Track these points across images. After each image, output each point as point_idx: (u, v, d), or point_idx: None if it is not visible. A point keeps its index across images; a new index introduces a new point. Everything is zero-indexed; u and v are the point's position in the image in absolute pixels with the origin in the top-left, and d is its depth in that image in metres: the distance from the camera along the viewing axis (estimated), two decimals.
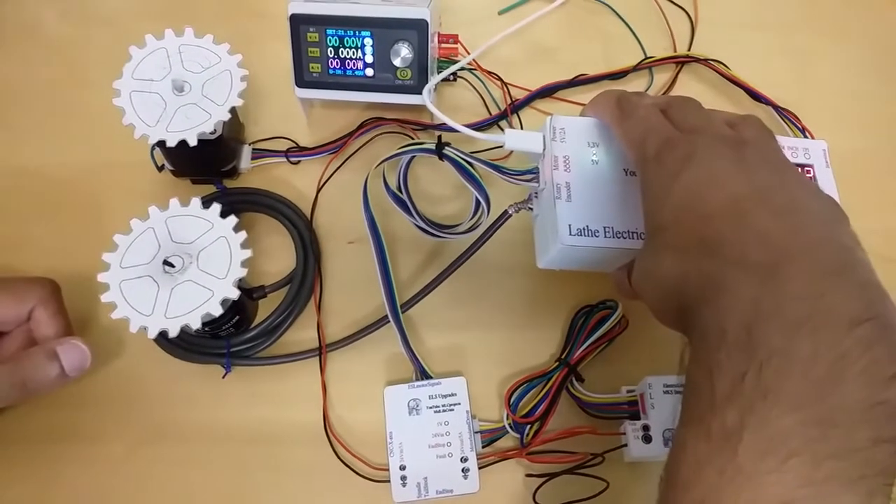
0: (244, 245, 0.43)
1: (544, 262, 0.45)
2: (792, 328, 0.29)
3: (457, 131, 0.45)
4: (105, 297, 0.42)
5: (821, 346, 0.29)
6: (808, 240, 0.32)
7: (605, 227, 0.42)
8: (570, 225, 0.42)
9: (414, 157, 0.48)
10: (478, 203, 0.47)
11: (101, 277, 0.42)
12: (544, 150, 0.44)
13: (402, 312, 0.49)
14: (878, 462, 0.28)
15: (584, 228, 0.42)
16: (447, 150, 0.46)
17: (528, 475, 0.47)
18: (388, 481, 0.46)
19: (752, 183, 0.34)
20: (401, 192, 0.49)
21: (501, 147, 0.45)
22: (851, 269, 0.31)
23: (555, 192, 0.42)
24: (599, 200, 0.42)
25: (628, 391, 0.48)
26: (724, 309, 0.32)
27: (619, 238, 0.42)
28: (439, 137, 0.47)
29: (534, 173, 0.45)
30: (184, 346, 0.49)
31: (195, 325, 0.41)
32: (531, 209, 0.46)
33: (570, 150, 0.44)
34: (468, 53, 0.56)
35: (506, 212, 0.47)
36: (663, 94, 0.59)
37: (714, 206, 0.34)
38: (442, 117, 0.46)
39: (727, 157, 0.36)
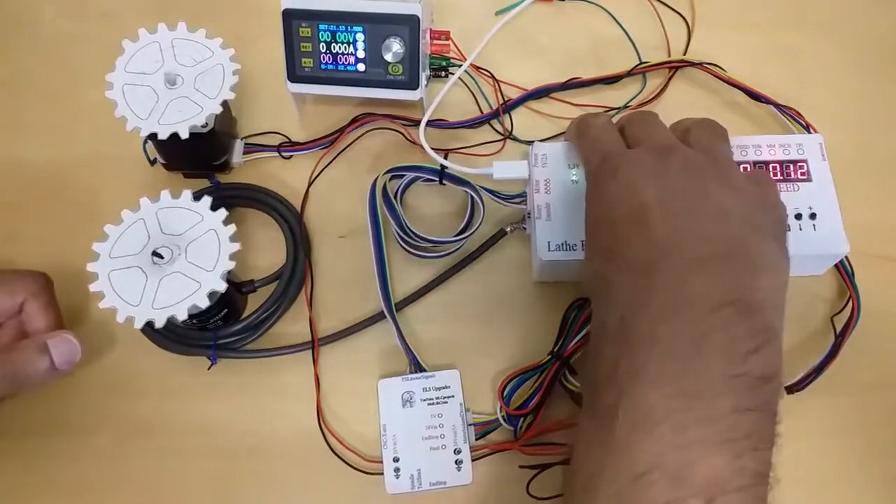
0: (233, 238, 0.43)
1: (536, 276, 0.51)
2: (656, 315, 0.33)
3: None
4: (93, 287, 0.42)
5: (680, 328, 0.33)
6: (685, 236, 0.35)
7: (582, 241, 0.46)
8: (549, 242, 0.47)
9: (416, 178, 0.53)
10: (472, 203, 0.51)
11: (91, 267, 0.42)
12: (529, 175, 0.49)
13: (397, 311, 0.50)
14: (741, 428, 0.31)
15: (562, 244, 0.47)
16: (448, 171, 0.52)
17: (522, 467, 0.47)
18: (382, 473, 0.46)
19: (661, 190, 0.37)
20: (396, 200, 0.51)
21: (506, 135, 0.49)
22: (722, 259, 0.34)
23: (535, 213, 0.47)
24: (578, 217, 0.44)
25: None
26: (606, 305, 0.37)
27: None
28: (442, 168, 0.51)
29: (522, 196, 0.50)
30: (172, 337, 0.49)
31: (181, 316, 0.41)
32: (524, 229, 0.51)
33: (551, 174, 0.49)
34: (460, 51, 0.57)
35: (503, 230, 0.51)
36: (653, 98, 0.59)
37: (620, 215, 0.37)
38: (433, 155, 0.51)
39: (647, 167, 0.38)
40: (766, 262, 0.35)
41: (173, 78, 0.48)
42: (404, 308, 0.51)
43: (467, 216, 0.52)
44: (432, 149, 0.51)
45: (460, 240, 0.51)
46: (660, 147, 0.40)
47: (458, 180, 0.51)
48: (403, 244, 0.51)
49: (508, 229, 0.51)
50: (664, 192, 0.37)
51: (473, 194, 0.51)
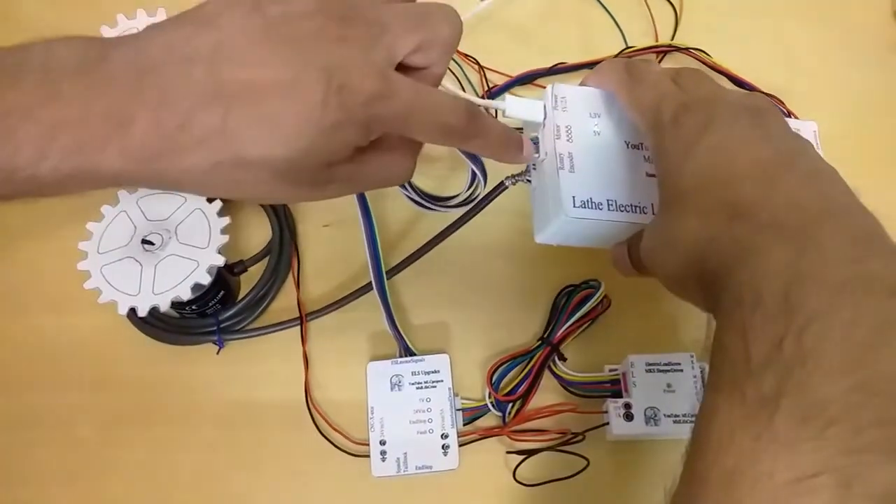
0: (220, 213, 0.44)
1: (544, 237, 0.43)
2: (832, 292, 0.29)
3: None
4: (88, 285, 0.42)
5: (862, 311, 0.28)
6: (838, 205, 0.31)
7: (608, 200, 0.40)
8: (574, 196, 0.40)
9: None
10: (473, 175, 0.45)
11: (81, 266, 0.42)
12: (545, 118, 0.43)
13: (388, 279, 0.48)
14: None
15: (587, 200, 0.40)
16: None
17: (509, 452, 0.46)
18: (368, 456, 0.46)
19: (776, 148, 0.34)
20: None
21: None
22: (882, 235, 0.31)
23: (557, 163, 0.41)
24: (602, 172, 0.41)
25: (611, 370, 0.48)
26: (759, 272, 0.30)
27: (622, 211, 0.40)
28: None
29: (533, 143, 0.43)
30: (171, 329, 0.49)
31: (185, 296, 0.42)
32: (529, 181, 0.44)
33: (572, 120, 0.42)
34: None
35: (502, 183, 0.45)
36: None
37: (740, 170, 0.33)
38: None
39: (747, 122, 0.35)
40: None
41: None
42: (397, 275, 0.50)
43: (469, 178, 0.47)
44: None
45: (468, 201, 0.47)
46: (744, 104, 0.36)
47: None
48: (408, 199, 0.48)
49: (508, 182, 0.44)
50: (778, 151, 0.34)
51: (472, 165, 0.45)
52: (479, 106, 0.54)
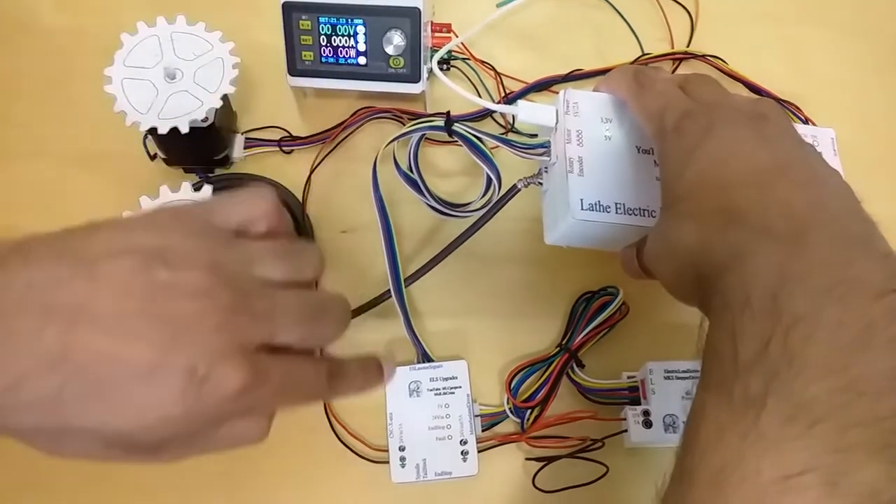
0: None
1: (553, 238, 0.45)
2: (818, 294, 0.29)
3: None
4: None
5: (848, 314, 0.29)
6: (831, 210, 0.32)
7: (616, 204, 0.42)
8: (581, 199, 0.41)
9: (424, 136, 0.48)
10: (489, 181, 0.47)
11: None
12: (557, 123, 0.44)
13: (406, 287, 0.49)
14: None
15: (595, 203, 0.41)
16: (456, 126, 0.45)
17: (528, 459, 0.46)
18: (388, 462, 0.46)
19: (774, 155, 0.34)
20: (412, 171, 0.48)
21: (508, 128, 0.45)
22: (874, 240, 0.31)
23: (567, 166, 0.42)
24: (612, 176, 0.42)
25: (629, 377, 0.48)
26: (749, 275, 0.31)
27: (630, 215, 0.41)
28: (447, 113, 0.47)
29: (544, 147, 0.44)
30: None
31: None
32: (541, 184, 0.46)
33: (584, 125, 0.43)
34: (463, 44, 0.57)
35: (515, 186, 0.46)
36: None
37: (735, 176, 0.34)
38: (453, 87, 0.47)
39: (747, 129, 0.35)
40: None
41: (172, 72, 0.48)
42: (414, 283, 0.50)
43: (484, 183, 0.48)
44: None
45: (483, 206, 0.48)
46: (747, 111, 0.37)
47: (465, 138, 0.46)
48: (429, 208, 0.49)
49: (521, 185, 0.46)
50: (776, 158, 0.34)
51: (488, 170, 0.47)
52: (494, 112, 0.55)
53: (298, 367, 0.32)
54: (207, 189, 0.45)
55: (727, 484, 0.28)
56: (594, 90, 0.45)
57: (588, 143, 0.43)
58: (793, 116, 0.57)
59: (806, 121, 0.56)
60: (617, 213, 0.41)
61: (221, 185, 0.52)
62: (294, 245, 0.34)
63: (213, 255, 0.30)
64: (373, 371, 0.38)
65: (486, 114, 0.57)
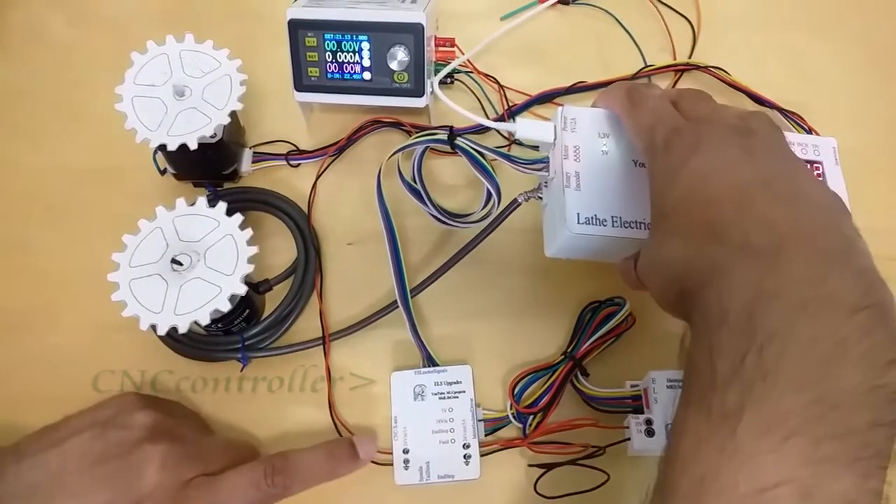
0: (250, 242, 0.44)
1: (552, 251, 0.45)
2: (793, 311, 0.30)
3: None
4: (115, 296, 0.43)
5: (821, 330, 0.29)
6: (810, 226, 0.32)
7: (612, 217, 0.42)
8: (578, 213, 0.42)
9: (427, 147, 0.49)
10: (489, 194, 0.47)
11: (111, 277, 0.43)
12: (555, 139, 0.45)
13: (413, 296, 0.50)
14: (874, 444, 0.28)
15: (592, 217, 0.42)
16: (459, 140, 0.46)
17: (530, 465, 0.47)
18: (391, 464, 0.46)
19: (758, 170, 0.35)
20: (415, 182, 0.49)
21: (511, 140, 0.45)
22: (852, 256, 0.32)
23: (564, 181, 0.43)
24: (608, 190, 0.43)
25: (632, 386, 0.48)
26: (726, 291, 0.32)
27: (626, 227, 0.42)
28: (451, 128, 0.48)
29: (544, 163, 0.45)
30: (199, 346, 0.50)
31: (204, 321, 0.42)
32: (540, 198, 0.47)
33: (581, 140, 0.44)
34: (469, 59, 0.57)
35: (515, 200, 0.47)
36: None
37: (718, 192, 0.34)
38: (453, 106, 0.48)
39: (734, 145, 0.36)
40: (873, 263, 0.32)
41: (181, 89, 0.49)
42: (419, 294, 0.50)
43: (484, 196, 0.49)
44: None
45: (483, 218, 0.49)
46: (735, 127, 0.37)
47: (467, 152, 0.47)
48: (432, 217, 0.50)
49: (521, 199, 0.47)
50: (759, 173, 0.34)
51: (488, 185, 0.47)
52: (491, 129, 0.56)
53: (235, 488, 0.43)
54: (222, 206, 0.45)
55: (706, 496, 0.29)
56: (592, 105, 0.46)
57: (585, 157, 0.44)
58: (796, 126, 0.57)
59: (809, 130, 0.56)
60: (613, 226, 0.42)
61: (232, 199, 0.54)
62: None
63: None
64: (340, 459, 0.45)
65: (488, 127, 0.58)
